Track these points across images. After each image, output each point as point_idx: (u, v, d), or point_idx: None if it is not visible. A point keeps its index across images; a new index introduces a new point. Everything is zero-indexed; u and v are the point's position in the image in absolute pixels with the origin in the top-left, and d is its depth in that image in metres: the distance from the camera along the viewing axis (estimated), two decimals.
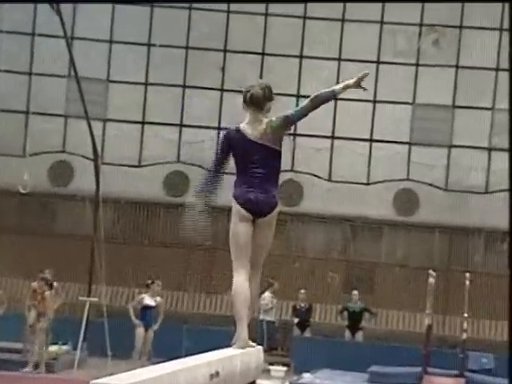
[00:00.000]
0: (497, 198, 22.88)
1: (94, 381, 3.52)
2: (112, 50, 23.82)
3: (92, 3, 23.53)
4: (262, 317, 20.31)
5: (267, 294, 20.50)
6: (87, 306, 18.01)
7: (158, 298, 17.13)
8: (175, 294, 22.93)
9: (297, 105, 22.57)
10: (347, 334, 20.89)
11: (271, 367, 18.75)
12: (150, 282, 17.34)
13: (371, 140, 23.64)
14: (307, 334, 21.10)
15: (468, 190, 23.25)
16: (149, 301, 17.01)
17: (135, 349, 16.66)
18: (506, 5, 22.78)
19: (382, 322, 22.67)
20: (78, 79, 19.73)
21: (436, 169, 23.50)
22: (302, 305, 21.20)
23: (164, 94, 23.80)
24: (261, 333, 19.75)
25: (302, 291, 21.28)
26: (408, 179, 23.50)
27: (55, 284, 18.19)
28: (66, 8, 20.27)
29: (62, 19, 19.34)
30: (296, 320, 21.08)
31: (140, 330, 16.74)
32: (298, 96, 23.56)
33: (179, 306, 22.92)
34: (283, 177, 24.68)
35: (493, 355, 19.09)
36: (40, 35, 23.12)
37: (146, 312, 16.93)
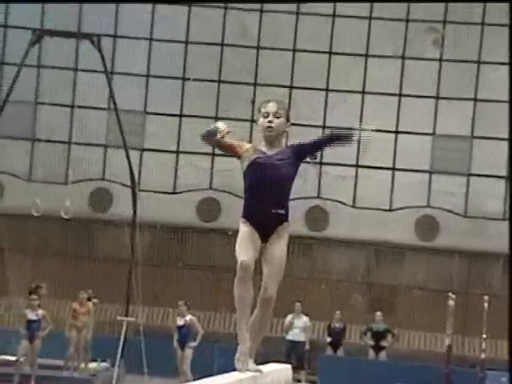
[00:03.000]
0: None
1: None
2: (149, 83, 23.94)
3: (109, 3, 23.52)
4: (288, 337, 20.18)
5: (290, 316, 20.31)
6: (125, 325, 17.98)
7: (188, 317, 17.07)
8: (207, 314, 22.88)
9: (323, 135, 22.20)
10: (371, 353, 20.74)
11: None
12: (180, 302, 17.41)
13: (394, 169, 23.56)
14: (340, 353, 20.92)
15: (486, 216, 23.10)
16: (178, 321, 17.03)
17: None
18: None
19: (404, 342, 22.50)
20: (117, 111, 19.83)
21: (455, 196, 23.38)
22: (337, 325, 21.00)
23: (197, 124, 23.81)
24: (287, 351, 19.63)
25: (338, 312, 21.06)
26: (429, 206, 23.40)
27: (93, 302, 18.24)
28: (105, 44, 20.41)
29: (102, 55, 19.47)
30: (329, 339, 20.89)
31: (177, 350, 16.81)
32: (324, 127, 23.54)
33: (211, 325, 22.86)
34: (311, 203, 24.70)
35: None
36: (82, 70, 23.28)
37: (178, 331, 16.96)
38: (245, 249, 5.06)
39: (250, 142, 5.32)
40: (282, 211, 5.12)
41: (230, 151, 5.22)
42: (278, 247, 5.12)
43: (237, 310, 5.05)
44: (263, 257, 5.12)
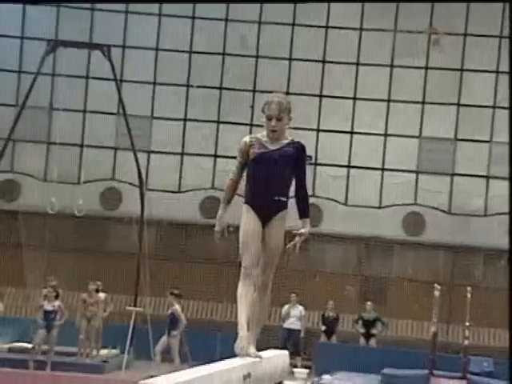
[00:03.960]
0: (495, 220, 22.77)
1: (142, 381, 3.48)
2: (155, 90, 23.96)
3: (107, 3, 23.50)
4: (285, 325, 20.20)
5: (287, 306, 20.32)
6: (133, 315, 18.01)
7: (175, 307, 17.02)
8: (210, 305, 22.92)
9: (317, 139, 22.45)
10: (362, 340, 20.77)
11: (295, 370, 18.69)
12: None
13: (383, 169, 23.59)
14: (333, 340, 20.93)
15: (469, 213, 23.13)
16: (167, 310, 17.19)
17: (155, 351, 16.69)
18: (503, 48, 22.73)
19: (393, 329, 22.53)
20: (126, 116, 19.88)
21: (441, 195, 23.40)
22: (331, 314, 21.02)
23: (200, 128, 23.89)
24: (284, 339, 19.65)
25: (331, 302, 21.07)
26: (416, 204, 23.42)
27: (103, 294, 18.25)
28: (115, 54, 20.44)
29: (112, 64, 19.52)
30: (323, 328, 20.91)
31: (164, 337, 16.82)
32: (319, 130, 23.57)
33: (214, 315, 22.89)
34: None
35: (492, 359, 18.92)
36: (93, 78, 23.29)
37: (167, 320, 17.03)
38: (248, 249, 5.12)
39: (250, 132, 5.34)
40: (283, 198, 5.17)
41: (244, 161, 5.22)
42: (276, 233, 5.18)
43: (238, 306, 5.09)
44: (262, 242, 5.16)
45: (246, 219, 5.16)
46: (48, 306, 17.32)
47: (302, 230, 5.25)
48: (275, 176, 5.14)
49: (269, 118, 5.18)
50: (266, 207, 5.15)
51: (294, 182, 5.26)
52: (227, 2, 23.61)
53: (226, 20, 23.86)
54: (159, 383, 3.48)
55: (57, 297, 17.66)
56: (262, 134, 5.25)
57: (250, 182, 5.19)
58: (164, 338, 16.74)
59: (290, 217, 5.27)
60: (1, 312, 17.40)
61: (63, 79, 21.66)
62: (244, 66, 23.73)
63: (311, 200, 22.96)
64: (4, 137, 19.92)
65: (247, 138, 5.25)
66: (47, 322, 17.18)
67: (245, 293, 5.07)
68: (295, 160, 5.19)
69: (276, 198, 5.14)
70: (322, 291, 22.41)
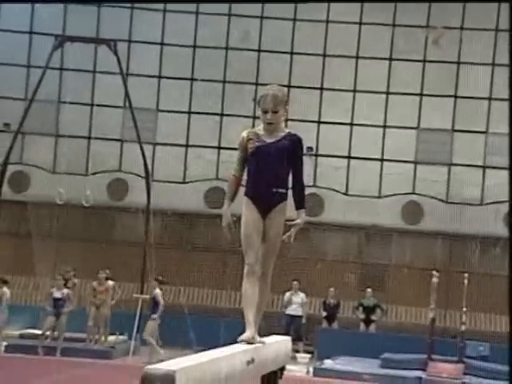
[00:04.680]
0: (490, 209, 22.76)
1: (149, 366, 3.45)
2: (160, 84, 23.94)
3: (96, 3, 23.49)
4: (287, 312, 20.21)
5: (289, 293, 20.31)
6: (140, 302, 18.04)
7: (156, 291, 17.26)
8: (214, 292, 22.93)
9: (318, 130, 22.37)
10: (362, 326, 20.77)
11: (297, 354, 18.71)
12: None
13: (382, 160, 23.56)
14: (334, 326, 20.94)
15: (465, 202, 23.11)
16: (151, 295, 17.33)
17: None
18: (500, 42, 22.68)
19: (392, 315, 22.54)
20: (132, 109, 19.85)
21: (438, 184, 23.38)
22: (332, 301, 21.02)
23: (204, 121, 23.87)
24: (286, 325, 19.67)
25: (332, 289, 21.05)
26: (414, 193, 23.40)
27: (111, 282, 18.27)
28: (121, 48, 20.40)
29: (118, 58, 19.49)
30: (324, 314, 20.92)
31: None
32: (319, 122, 23.54)
33: (218, 302, 22.91)
34: (307, 191, 24.55)
35: (488, 344, 18.92)
36: (100, 72, 23.28)
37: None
38: (251, 247, 5.08)
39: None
40: (282, 190, 5.12)
41: (245, 156, 5.17)
42: (276, 224, 5.12)
43: (244, 304, 5.09)
44: (263, 229, 5.11)
45: (247, 216, 5.12)
46: (57, 294, 17.34)
47: (298, 221, 5.16)
48: (273, 168, 5.08)
49: (264, 111, 5.11)
50: (265, 200, 5.10)
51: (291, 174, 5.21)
52: (230, 2, 23.56)
53: (229, 15, 23.82)
54: (165, 368, 3.46)
55: (66, 285, 17.69)
56: (259, 128, 5.21)
57: (249, 175, 5.16)
58: (149, 322, 16.98)
59: (288, 208, 5.23)
60: (8, 299, 17.39)
61: (71, 73, 21.65)
62: (246, 60, 23.69)
63: (313, 190, 23.01)
64: (14, 130, 19.91)
65: (245, 133, 5.21)
66: (56, 310, 17.20)
67: (250, 290, 5.05)
68: (292, 152, 5.13)
69: (274, 190, 5.09)
70: (323, 278, 22.43)
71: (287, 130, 5.19)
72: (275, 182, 5.09)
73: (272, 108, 5.09)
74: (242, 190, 5.28)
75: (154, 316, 16.99)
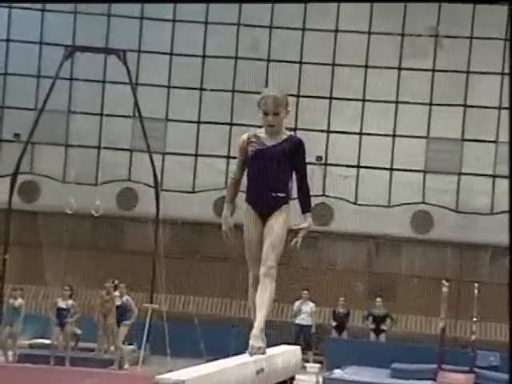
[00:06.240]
0: (500, 218, 22.67)
1: (159, 376, 3.46)
2: (170, 93, 23.99)
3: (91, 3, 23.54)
4: (297, 321, 20.17)
5: (298, 302, 20.28)
6: (150, 312, 18.04)
7: (125, 298, 17.29)
8: (224, 301, 22.92)
9: (327, 139, 22.33)
10: (372, 335, 20.73)
11: (307, 364, 18.67)
12: (122, 285, 17.59)
13: (391, 169, 23.54)
14: (344, 336, 20.88)
15: (475, 211, 23.06)
16: (117, 301, 17.32)
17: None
18: (508, 50, 22.65)
19: (402, 325, 22.48)
20: (141, 119, 19.91)
21: (448, 193, 23.34)
22: (341, 310, 20.98)
23: (214, 130, 23.90)
24: (296, 334, 19.63)
25: (342, 299, 21.03)
26: (423, 202, 23.37)
27: (118, 292, 18.26)
28: (131, 58, 20.48)
29: (128, 68, 19.56)
30: (334, 323, 20.87)
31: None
32: (328, 131, 23.55)
33: (228, 311, 22.89)
34: (316, 200, 24.66)
35: (499, 354, 18.85)
36: (109, 82, 23.35)
37: (116, 311, 17.31)
38: (255, 257, 4.99)
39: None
40: (282, 194, 4.99)
41: (245, 159, 5.10)
42: (278, 221, 4.97)
43: (251, 307, 5.05)
44: (264, 233, 4.99)
45: (248, 227, 5.02)
46: (61, 304, 17.35)
47: (304, 225, 5.02)
48: (273, 172, 4.96)
49: (265, 113, 4.98)
50: (265, 204, 4.98)
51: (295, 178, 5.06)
52: (239, 2, 23.55)
53: (238, 25, 23.86)
54: (175, 378, 3.45)
55: (71, 296, 17.68)
56: (260, 131, 5.08)
57: (249, 179, 5.06)
58: (115, 329, 17.08)
59: (294, 216, 5.11)
60: (22, 308, 17.45)
61: (80, 83, 21.72)
62: (256, 69, 23.72)
63: (322, 199, 23.00)
64: (24, 140, 19.97)
65: (245, 136, 5.10)
66: (59, 320, 17.21)
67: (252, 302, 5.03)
68: (293, 155, 5.00)
69: (274, 194, 4.97)
70: (332, 288, 22.38)
71: (289, 133, 5.09)
72: (276, 186, 4.98)
73: (273, 110, 4.97)
74: (242, 196, 5.18)
75: (127, 322, 17.08)
